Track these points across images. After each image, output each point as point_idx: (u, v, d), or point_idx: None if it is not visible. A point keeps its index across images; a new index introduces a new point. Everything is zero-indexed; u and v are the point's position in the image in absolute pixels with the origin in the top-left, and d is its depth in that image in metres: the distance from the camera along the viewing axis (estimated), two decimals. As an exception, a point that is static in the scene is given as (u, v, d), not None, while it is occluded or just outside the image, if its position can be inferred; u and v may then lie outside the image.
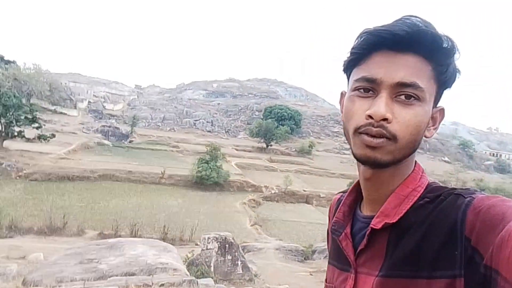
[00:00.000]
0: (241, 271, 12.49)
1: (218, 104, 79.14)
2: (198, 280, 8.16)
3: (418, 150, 0.74)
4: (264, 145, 53.47)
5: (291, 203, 31.90)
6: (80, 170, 29.31)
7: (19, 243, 15.34)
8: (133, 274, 8.00)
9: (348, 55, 0.73)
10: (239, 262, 12.61)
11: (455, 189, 0.68)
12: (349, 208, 0.82)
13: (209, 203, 27.63)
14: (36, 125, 32.23)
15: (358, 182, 0.81)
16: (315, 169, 44.66)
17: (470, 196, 0.64)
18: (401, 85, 0.67)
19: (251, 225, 23.62)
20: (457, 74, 0.72)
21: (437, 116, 0.75)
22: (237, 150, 50.59)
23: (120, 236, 15.49)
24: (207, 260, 12.21)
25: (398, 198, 0.71)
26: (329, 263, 0.87)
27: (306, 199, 33.05)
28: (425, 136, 0.72)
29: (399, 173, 0.73)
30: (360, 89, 0.70)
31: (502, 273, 0.54)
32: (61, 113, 55.15)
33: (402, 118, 0.67)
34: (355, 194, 0.82)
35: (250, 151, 51.42)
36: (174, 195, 28.43)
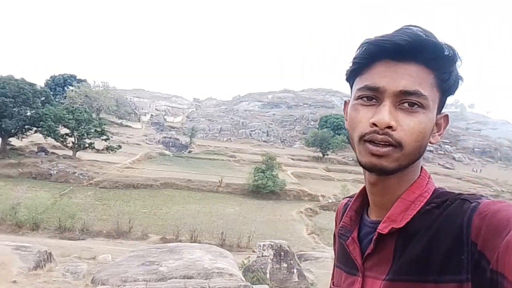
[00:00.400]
0: (297, 279, 12.30)
1: (274, 114, 79.60)
2: (254, 286, 8.19)
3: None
4: (320, 155, 52.68)
5: (349, 213, 30.99)
6: (144, 178, 30.88)
7: (90, 245, 16.45)
8: (191, 277, 8.22)
9: (350, 64, 0.75)
10: (295, 270, 12.45)
11: (462, 194, 0.69)
12: (356, 213, 0.83)
13: (266, 211, 27.69)
14: (105, 137, 34.69)
15: (364, 188, 0.81)
16: (374, 178, 43.04)
17: (476, 201, 0.65)
18: (404, 93, 0.68)
19: (308, 234, 23.26)
20: (460, 81, 0.73)
21: (441, 122, 0.75)
22: (293, 159, 50.37)
23: (180, 241, 16.07)
24: (262, 267, 12.20)
25: (404, 203, 0.72)
26: (336, 266, 0.88)
27: (365, 209, 31.93)
28: (430, 142, 0.73)
29: (405, 179, 0.73)
30: (363, 97, 0.71)
31: (508, 277, 0.55)
32: (126, 126, 59.05)
33: (407, 125, 0.67)
34: (362, 199, 0.83)
35: (306, 161, 50.91)
36: (231, 203, 28.88)
